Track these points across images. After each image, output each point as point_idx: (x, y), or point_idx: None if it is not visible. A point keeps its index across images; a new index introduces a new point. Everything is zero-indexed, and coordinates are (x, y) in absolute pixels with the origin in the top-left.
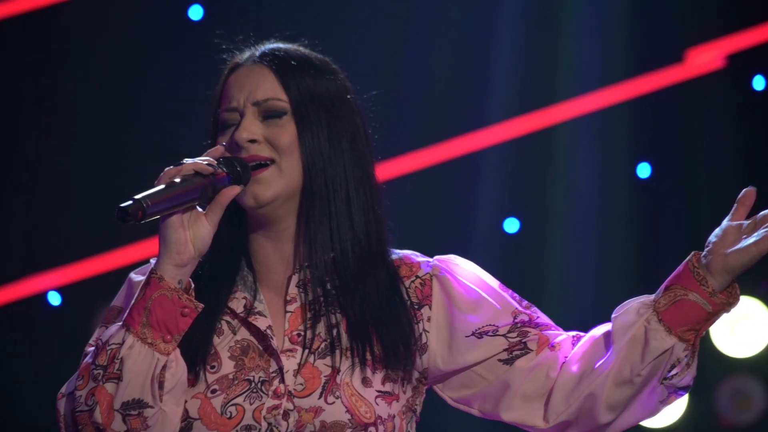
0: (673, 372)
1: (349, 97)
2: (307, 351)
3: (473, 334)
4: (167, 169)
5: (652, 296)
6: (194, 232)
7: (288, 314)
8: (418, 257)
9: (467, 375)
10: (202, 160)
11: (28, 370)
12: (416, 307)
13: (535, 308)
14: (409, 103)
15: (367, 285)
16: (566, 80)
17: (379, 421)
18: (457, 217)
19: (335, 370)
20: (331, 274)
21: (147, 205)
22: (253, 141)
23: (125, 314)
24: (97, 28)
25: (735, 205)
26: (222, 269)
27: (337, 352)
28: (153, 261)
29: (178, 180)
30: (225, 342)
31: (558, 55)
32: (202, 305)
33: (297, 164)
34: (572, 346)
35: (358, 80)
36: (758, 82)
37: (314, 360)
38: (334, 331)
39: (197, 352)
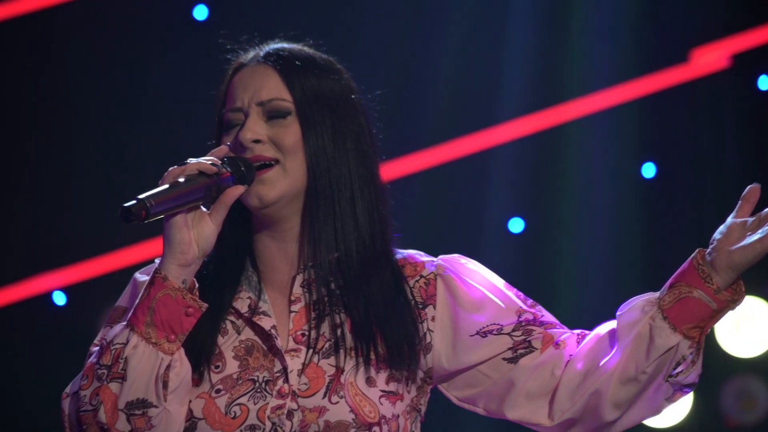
0: (679, 369)
1: (353, 96)
2: (311, 351)
3: (478, 333)
4: (171, 168)
5: (657, 294)
6: (198, 231)
7: (292, 314)
8: (423, 257)
9: (472, 374)
10: (206, 160)
11: (33, 369)
12: (420, 306)
13: (539, 307)
14: (413, 104)
15: (371, 285)
16: (571, 81)
17: (383, 420)
18: (462, 216)
19: (339, 370)
20: (335, 274)
21: (150, 204)
22: (257, 141)
23: (130, 314)
24: (101, 28)
25: (739, 202)
26: (226, 269)
27: (342, 351)
28: (158, 261)
29: (182, 180)
30: (229, 342)
31: (562, 56)
32: (206, 305)
33: (301, 164)
34: (577, 344)
35: (362, 80)
36: (763, 82)
37: (318, 360)
38: (339, 331)
39: (202, 352)
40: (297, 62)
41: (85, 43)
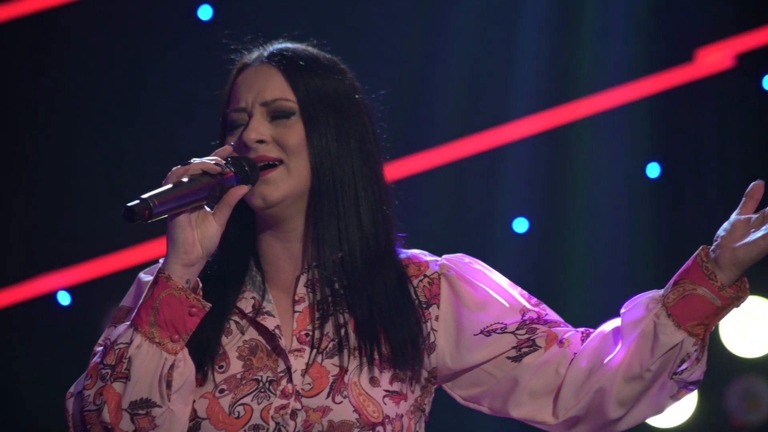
0: (683, 367)
1: (357, 96)
2: (315, 351)
3: (481, 332)
4: (175, 168)
5: (661, 291)
6: (202, 231)
7: (296, 314)
8: (426, 256)
9: (476, 373)
10: (209, 160)
11: (37, 369)
12: (424, 306)
13: (544, 305)
14: (417, 104)
15: (375, 285)
16: (575, 81)
17: (386, 420)
18: (467, 217)
19: (343, 370)
20: (339, 273)
21: (154, 204)
22: (261, 141)
23: (133, 314)
24: (105, 28)
25: (743, 198)
26: (231, 269)
27: (345, 351)
28: (162, 261)
29: (185, 179)
30: (233, 342)
31: (566, 56)
32: (209, 305)
33: (305, 164)
34: (581, 342)
35: (366, 80)
36: None
37: (322, 360)
38: (342, 331)
39: (206, 351)
40: (301, 62)
41: (89, 43)
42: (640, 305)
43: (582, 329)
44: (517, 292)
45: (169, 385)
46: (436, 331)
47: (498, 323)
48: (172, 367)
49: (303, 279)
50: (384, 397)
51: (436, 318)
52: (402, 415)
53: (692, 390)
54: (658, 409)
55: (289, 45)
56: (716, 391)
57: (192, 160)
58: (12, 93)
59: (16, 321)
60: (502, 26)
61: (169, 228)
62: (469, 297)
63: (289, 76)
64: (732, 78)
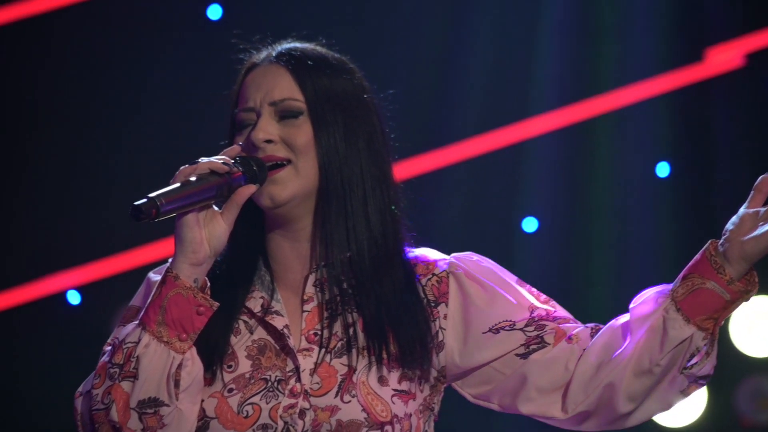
0: (693, 361)
1: (365, 96)
2: (323, 350)
3: (490, 330)
4: (182, 167)
5: (670, 285)
6: (210, 231)
7: (305, 313)
8: (435, 255)
9: (486, 371)
10: (217, 159)
11: (47, 368)
12: (433, 304)
13: (553, 302)
14: (425, 104)
15: (383, 284)
16: (584, 81)
17: (395, 419)
18: (476, 216)
19: (351, 369)
20: (347, 273)
21: (161, 203)
22: (269, 141)
23: (142, 313)
24: (114, 28)
25: (752, 192)
26: (239, 269)
27: (354, 351)
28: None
29: (193, 179)
30: (242, 341)
31: (575, 57)
32: (217, 304)
33: (313, 164)
34: (591, 338)
35: (372, 79)
36: None
37: (331, 359)
38: (351, 330)
39: (214, 351)
40: (309, 62)
41: (98, 43)
42: (649, 300)
43: (591, 325)
44: (525, 290)
45: (177, 384)
46: (445, 329)
47: (506, 321)
48: (180, 366)
49: (311, 278)
50: (392, 396)
51: (445, 316)
52: (411, 415)
53: (702, 384)
54: (669, 404)
55: (298, 45)
56: (726, 391)
57: (200, 160)
58: (26, 93)
59: (27, 320)
60: (510, 26)
61: (177, 227)
62: (477, 295)
63: (298, 75)
64: (742, 77)
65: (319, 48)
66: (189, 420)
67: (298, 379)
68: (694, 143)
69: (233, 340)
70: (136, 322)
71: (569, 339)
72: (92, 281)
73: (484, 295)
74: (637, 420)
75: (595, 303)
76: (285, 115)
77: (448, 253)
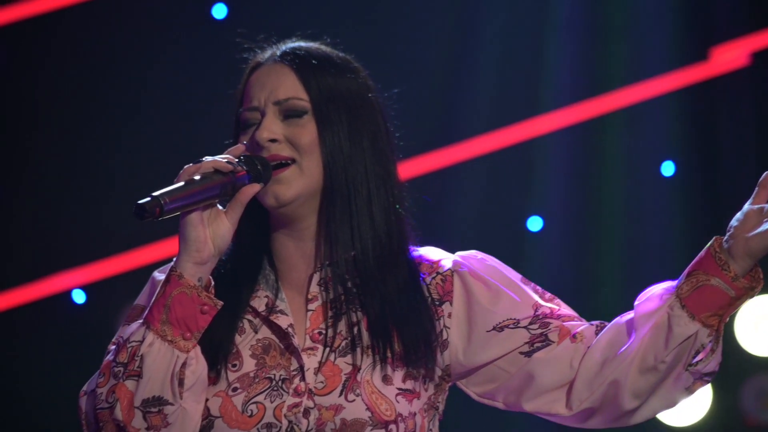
0: (698, 358)
1: (370, 95)
2: (328, 349)
3: (494, 328)
4: (187, 166)
5: (675, 282)
6: (214, 229)
7: (309, 312)
8: (439, 254)
9: (490, 369)
10: (222, 158)
11: (52, 367)
12: (437, 303)
13: (558, 300)
14: (431, 103)
15: (387, 283)
16: (589, 80)
17: (399, 418)
18: (481, 215)
19: (356, 368)
20: (351, 272)
21: (165, 202)
22: (273, 140)
23: (146, 312)
24: (119, 27)
25: (756, 188)
26: (244, 268)
27: (358, 350)
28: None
29: (197, 177)
30: (246, 340)
31: (580, 56)
32: (221, 303)
33: (318, 163)
34: (596, 335)
35: (378, 78)
36: None
37: (335, 358)
38: (355, 329)
39: (219, 350)
40: (313, 61)
41: (104, 42)
42: (654, 297)
43: (596, 322)
44: (530, 288)
45: (181, 383)
46: (449, 328)
47: (510, 319)
48: (184, 365)
49: (316, 278)
50: (397, 395)
51: (449, 315)
52: (415, 413)
53: (707, 381)
54: (673, 401)
55: (302, 44)
56: (731, 390)
57: (204, 159)
58: (31, 92)
59: (32, 319)
60: (514, 26)
61: (181, 226)
62: (481, 293)
63: (302, 75)
64: (747, 76)
65: (323, 47)
66: (193, 419)
67: (303, 378)
68: (699, 142)
69: (238, 339)
70: (141, 321)
71: (573, 337)
72: (97, 280)
73: (488, 293)
74: (642, 417)
75: (600, 302)
76: (289, 114)
77: (453, 252)
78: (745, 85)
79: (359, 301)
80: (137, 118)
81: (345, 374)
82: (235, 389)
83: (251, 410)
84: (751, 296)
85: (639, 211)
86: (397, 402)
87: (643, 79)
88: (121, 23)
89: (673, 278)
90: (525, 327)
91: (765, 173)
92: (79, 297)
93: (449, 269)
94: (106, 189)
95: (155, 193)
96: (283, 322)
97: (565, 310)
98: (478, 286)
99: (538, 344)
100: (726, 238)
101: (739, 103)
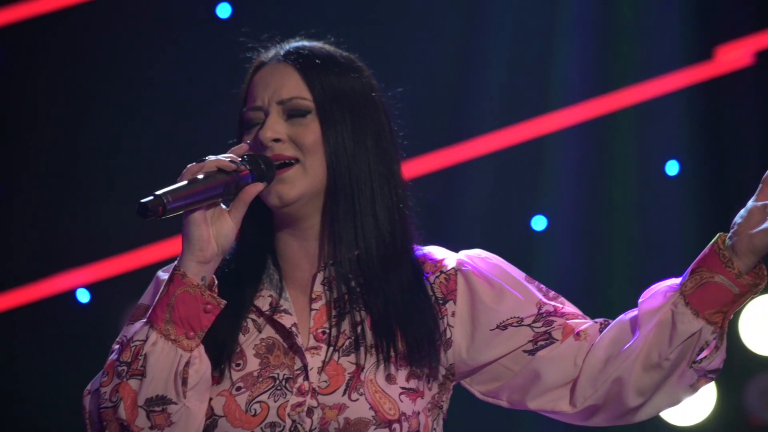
0: (702, 355)
1: (373, 94)
2: (331, 348)
3: (498, 326)
4: (190, 165)
5: (679, 280)
6: (217, 229)
7: (313, 312)
8: (443, 253)
9: (494, 368)
10: (225, 157)
11: (56, 366)
12: (441, 302)
13: (562, 299)
14: (435, 102)
15: (391, 282)
16: (593, 79)
17: (403, 417)
18: (485, 214)
19: (359, 367)
20: (355, 271)
21: (167, 200)
22: (277, 140)
23: (149, 311)
24: (123, 26)
25: (760, 185)
26: (248, 267)
27: (362, 349)
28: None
29: (200, 176)
30: (250, 340)
31: (585, 55)
32: (224, 302)
33: (321, 163)
34: (600, 333)
35: (384, 77)
36: None
37: (339, 357)
38: (359, 329)
39: (223, 350)
40: (317, 60)
41: (108, 41)
42: (658, 294)
43: (600, 320)
44: (534, 286)
45: (184, 382)
46: (453, 327)
47: (514, 317)
48: (187, 364)
49: (320, 277)
50: (400, 394)
51: (453, 314)
52: (419, 413)
53: (712, 379)
54: (678, 399)
55: (306, 43)
56: (735, 389)
57: (207, 158)
58: (34, 92)
59: (36, 318)
60: (518, 26)
61: (184, 225)
62: (485, 292)
63: (305, 74)
64: (751, 75)
65: (327, 46)
66: (197, 418)
67: (306, 378)
68: (703, 141)
69: (241, 338)
70: (144, 320)
71: (577, 335)
72: (101, 279)
73: (492, 292)
74: (646, 415)
75: (604, 301)
76: (293, 113)
77: (457, 251)
78: (750, 84)
79: (363, 301)
80: (142, 117)
81: (348, 373)
82: (238, 388)
83: (255, 409)
84: (755, 293)
85: (643, 211)
86: (401, 401)
87: (648, 78)
88: (124, 21)
89: (677, 277)
90: (529, 325)
91: None
92: (83, 296)
93: (453, 268)
94: (110, 188)
95: (158, 192)
96: (286, 321)
97: (569, 308)
98: (482, 284)
99: (542, 342)
100: (730, 234)
101: (743, 103)
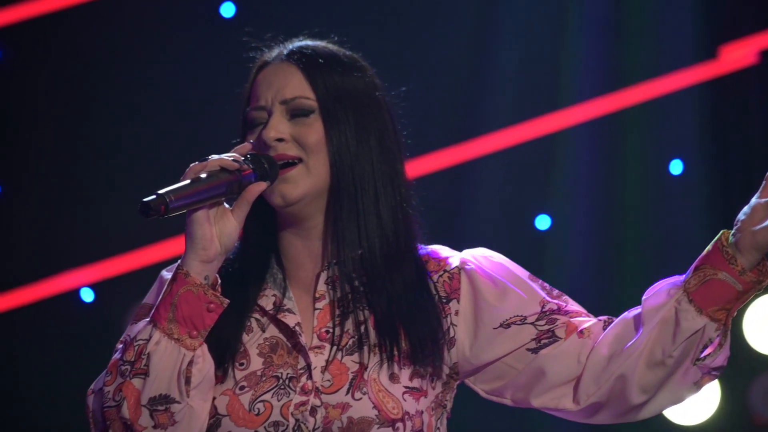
0: (706, 352)
1: (377, 94)
2: (335, 348)
3: (501, 325)
4: (193, 164)
5: (683, 277)
6: (220, 228)
7: (317, 311)
8: (447, 252)
9: (498, 366)
10: (228, 157)
11: (60, 365)
12: (444, 301)
13: (566, 297)
14: (438, 102)
15: (394, 281)
16: (599, 78)
17: (406, 416)
18: (489, 214)
19: (363, 367)
20: (359, 271)
21: (170, 199)
22: (280, 140)
23: (153, 310)
24: (128, 25)
25: (764, 182)
26: (252, 267)
27: (365, 348)
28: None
29: (203, 175)
30: (254, 339)
31: (590, 54)
32: (227, 301)
33: (324, 162)
34: (603, 331)
35: (387, 77)
36: None
37: (342, 356)
38: (362, 328)
39: (226, 349)
40: (320, 60)
41: (112, 40)
42: (662, 291)
43: (604, 317)
44: (537, 285)
45: (187, 381)
46: (456, 325)
47: (517, 316)
48: (190, 363)
49: (323, 276)
50: (404, 393)
51: (456, 313)
52: (422, 412)
53: (716, 376)
54: (681, 397)
55: (309, 42)
56: (739, 389)
57: (210, 157)
58: (38, 91)
59: (40, 317)
60: (522, 26)
61: (187, 224)
62: (488, 291)
63: (309, 74)
64: (755, 74)
65: (330, 46)
66: (200, 417)
67: (310, 377)
68: (707, 141)
69: (245, 338)
70: (147, 319)
71: (581, 333)
72: (106, 279)
73: (495, 290)
74: (650, 412)
75: (608, 299)
76: (296, 113)
77: (461, 250)
78: (754, 83)
79: (366, 300)
80: (145, 117)
81: (352, 372)
82: (242, 388)
83: (258, 409)
84: (759, 290)
85: (647, 210)
86: (404, 400)
87: (652, 77)
88: (126, 21)
89: (680, 275)
90: (532, 323)
91: None
92: (87, 295)
93: (456, 267)
94: (115, 187)
95: (160, 191)
96: (290, 320)
97: (573, 306)
98: (485, 283)
99: (545, 340)
100: (733, 231)
101: (747, 102)
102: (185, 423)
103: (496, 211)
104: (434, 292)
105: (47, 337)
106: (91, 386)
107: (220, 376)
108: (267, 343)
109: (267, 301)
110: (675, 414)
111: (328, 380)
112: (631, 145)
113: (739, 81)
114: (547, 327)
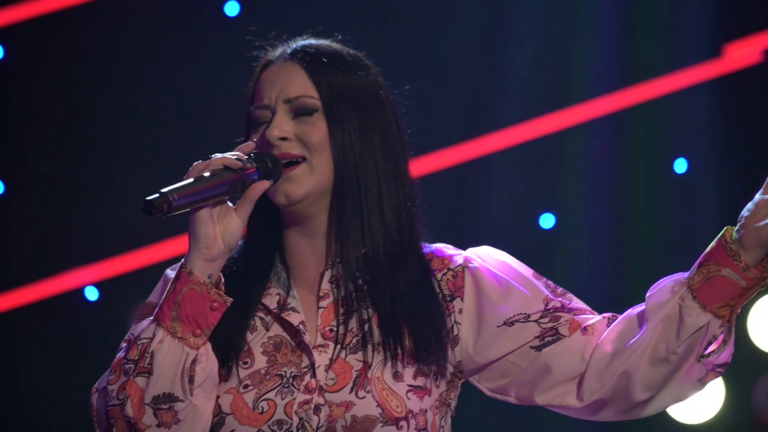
0: (710, 349)
1: (381, 92)
2: (338, 346)
3: (504, 323)
4: (196, 163)
5: (686, 274)
6: (224, 226)
7: (320, 310)
8: (450, 250)
9: (502, 364)
10: (231, 155)
11: (64, 364)
12: (448, 299)
13: (570, 295)
14: (443, 100)
15: (398, 280)
16: (600, 78)
17: (410, 415)
18: (493, 212)
19: (366, 365)
20: (362, 269)
21: (173, 198)
22: (284, 139)
23: (156, 309)
24: (132, 24)
25: (767, 179)
26: (256, 265)
27: (369, 347)
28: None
29: (206, 174)
30: (258, 338)
31: (594, 52)
32: (230, 299)
33: (328, 161)
34: (607, 328)
35: (389, 76)
36: None
37: (346, 355)
38: (366, 326)
39: (230, 347)
40: (324, 59)
41: (115, 39)
42: (665, 288)
43: (608, 315)
44: (541, 283)
45: (191, 380)
46: (460, 324)
47: (521, 313)
48: (194, 361)
49: (327, 275)
50: (407, 392)
51: (460, 311)
52: (426, 410)
53: (720, 373)
54: (685, 394)
55: (313, 41)
56: (743, 387)
57: (213, 155)
58: (38, 91)
59: (45, 316)
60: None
61: (190, 223)
62: (492, 289)
63: (312, 72)
64: (760, 73)
65: (334, 44)
66: (204, 415)
67: (314, 375)
68: (712, 139)
69: (249, 336)
70: (151, 318)
71: (585, 330)
72: (110, 277)
73: (499, 288)
74: (654, 409)
75: (612, 297)
76: (300, 112)
77: (465, 249)
78: (758, 82)
79: (370, 298)
80: (149, 115)
81: (356, 371)
82: (246, 386)
83: (262, 407)
84: (763, 286)
85: (651, 208)
86: (408, 399)
87: (656, 76)
88: (128, 21)
89: (684, 272)
90: (535, 321)
91: None
92: (91, 294)
93: (460, 265)
94: (119, 186)
95: (163, 190)
96: (294, 319)
97: (577, 303)
98: (489, 281)
99: (549, 338)
100: (737, 228)
101: (752, 100)
102: (189, 421)
103: (501, 209)
104: (438, 290)
105: (52, 336)
106: (95, 385)
107: (224, 375)
108: (271, 341)
109: (271, 300)
110: (679, 412)
111: (332, 379)
112: (636, 144)
113: (743, 79)
114: (550, 324)
